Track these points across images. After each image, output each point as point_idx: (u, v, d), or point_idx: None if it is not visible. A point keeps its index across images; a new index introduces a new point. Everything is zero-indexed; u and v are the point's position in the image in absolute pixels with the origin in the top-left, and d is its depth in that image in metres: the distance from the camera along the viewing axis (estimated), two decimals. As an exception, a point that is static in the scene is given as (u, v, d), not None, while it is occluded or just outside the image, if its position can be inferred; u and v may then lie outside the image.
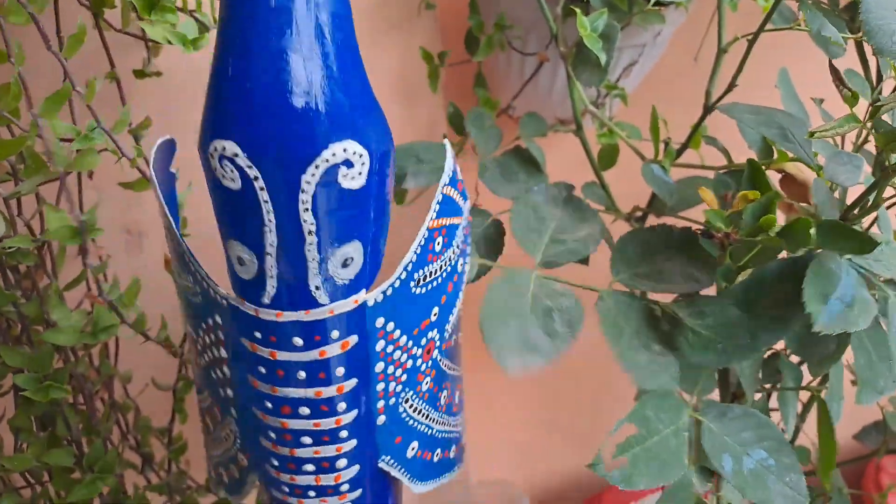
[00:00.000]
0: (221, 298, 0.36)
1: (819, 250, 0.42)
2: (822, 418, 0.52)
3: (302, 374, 0.36)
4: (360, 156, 0.31)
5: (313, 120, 0.29)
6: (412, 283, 0.38)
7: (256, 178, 0.30)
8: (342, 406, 0.38)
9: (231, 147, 0.30)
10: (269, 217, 0.32)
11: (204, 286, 0.38)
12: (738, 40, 0.50)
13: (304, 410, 0.37)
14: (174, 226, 0.40)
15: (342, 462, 0.40)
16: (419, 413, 0.42)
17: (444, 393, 0.45)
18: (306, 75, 0.29)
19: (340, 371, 0.37)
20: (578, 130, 0.56)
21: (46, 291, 0.52)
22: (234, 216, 0.33)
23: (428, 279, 0.39)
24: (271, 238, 0.32)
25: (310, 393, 0.37)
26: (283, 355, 0.36)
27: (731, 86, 0.49)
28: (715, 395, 0.63)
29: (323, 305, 0.35)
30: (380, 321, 0.37)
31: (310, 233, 0.32)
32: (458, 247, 0.42)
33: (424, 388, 0.42)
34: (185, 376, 0.66)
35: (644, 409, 0.42)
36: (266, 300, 0.34)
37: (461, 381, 0.50)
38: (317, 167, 0.30)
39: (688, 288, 0.49)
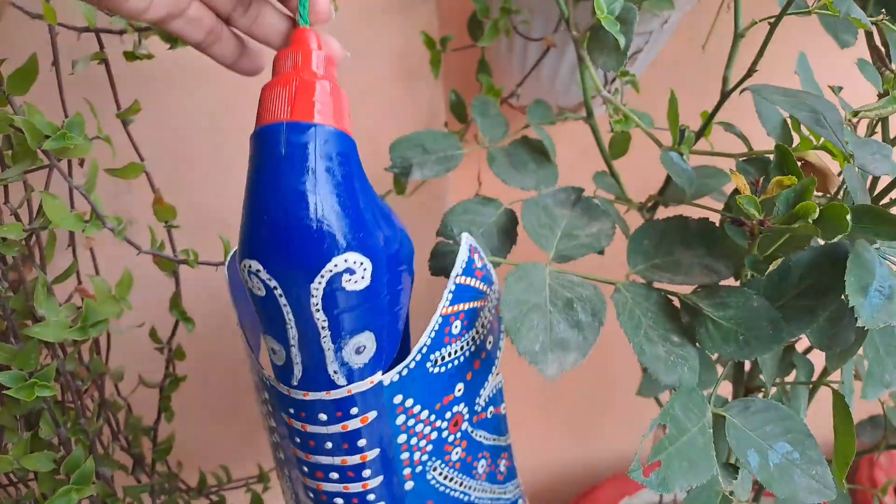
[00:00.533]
0: (266, 379, 0.43)
1: (849, 240, 0.41)
2: (840, 412, 0.50)
3: (329, 445, 0.42)
4: (361, 264, 0.37)
5: (317, 240, 0.36)
6: (428, 364, 0.42)
7: (276, 288, 0.37)
8: (367, 472, 0.43)
9: (255, 264, 0.37)
10: (289, 317, 0.38)
11: (256, 368, 0.44)
12: (757, 24, 0.48)
13: (334, 475, 0.43)
14: (239, 322, 0.47)
15: None
16: (451, 480, 0.46)
17: (483, 462, 0.49)
18: (313, 206, 0.35)
19: (363, 442, 0.42)
20: (589, 118, 0.54)
21: (34, 284, 0.49)
22: (264, 316, 0.39)
23: (447, 359, 0.43)
24: (293, 333, 0.38)
25: (336, 461, 0.42)
26: (311, 428, 0.41)
27: (751, 70, 0.47)
28: (723, 390, 0.62)
29: (341, 387, 0.40)
30: (398, 398, 0.42)
31: (323, 328, 0.38)
32: (483, 326, 0.46)
33: (455, 457, 0.46)
34: (172, 373, 0.63)
35: (673, 407, 0.41)
36: (295, 382, 0.40)
37: (507, 449, 0.52)
38: (322, 277, 0.36)
39: (707, 280, 0.48)
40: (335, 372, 0.39)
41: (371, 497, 0.43)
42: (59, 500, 0.50)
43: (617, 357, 0.69)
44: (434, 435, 0.44)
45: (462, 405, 0.45)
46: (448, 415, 0.44)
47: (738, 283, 0.47)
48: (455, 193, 0.79)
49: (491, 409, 0.49)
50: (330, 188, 0.36)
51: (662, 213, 0.55)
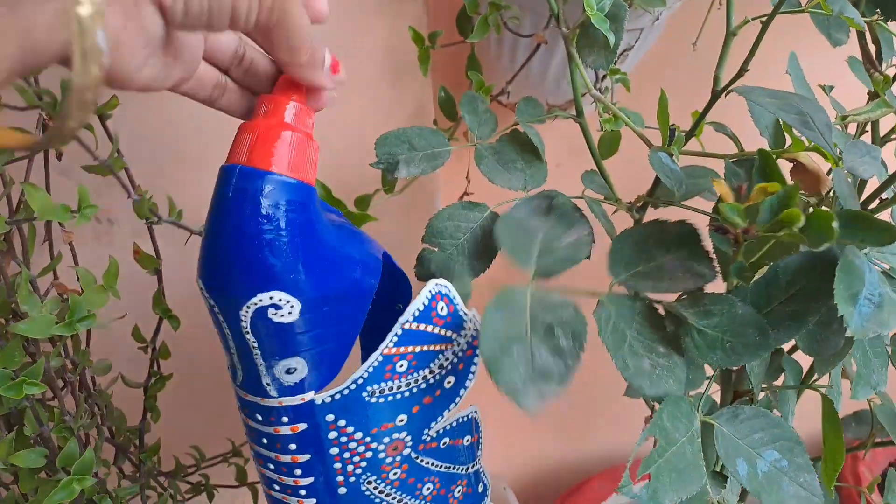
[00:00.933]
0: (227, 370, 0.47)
1: (838, 245, 0.40)
2: (828, 417, 0.50)
3: (265, 440, 0.45)
4: (288, 301, 0.40)
5: (244, 277, 0.39)
6: (364, 394, 0.44)
7: (214, 307, 0.41)
8: (298, 472, 0.46)
9: (201, 283, 0.41)
10: (227, 332, 0.42)
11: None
12: (749, 22, 0.48)
13: (271, 465, 0.46)
14: None
15: None
16: (388, 495, 0.48)
17: (429, 486, 0.50)
18: (246, 246, 0.39)
19: (293, 446, 0.45)
20: (579, 116, 0.54)
21: (15, 280, 0.48)
22: (214, 325, 0.43)
23: (385, 392, 0.45)
24: (232, 345, 0.43)
25: (272, 455, 0.46)
26: (251, 423, 0.46)
27: (743, 70, 0.46)
28: (713, 389, 0.61)
29: (273, 397, 0.43)
30: (330, 416, 0.44)
31: (254, 347, 0.42)
32: (440, 367, 0.47)
33: (393, 476, 0.48)
34: (157, 372, 0.63)
35: (661, 418, 0.40)
36: (238, 382, 0.44)
37: (468, 477, 0.53)
38: (248, 308, 0.40)
39: (692, 284, 0.46)
40: (268, 384, 0.43)
41: (302, 492, 0.47)
42: (61, 492, 0.50)
43: (606, 355, 0.69)
44: (369, 455, 0.46)
45: (404, 433, 0.47)
46: (386, 440, 0.46)
47: (727, 287, 0.47)
48: (445, 192, 0.78)
49: (446, 440, 0.50)
50: (267, 232, 0.39)
51: (652, 213, 0.54)
